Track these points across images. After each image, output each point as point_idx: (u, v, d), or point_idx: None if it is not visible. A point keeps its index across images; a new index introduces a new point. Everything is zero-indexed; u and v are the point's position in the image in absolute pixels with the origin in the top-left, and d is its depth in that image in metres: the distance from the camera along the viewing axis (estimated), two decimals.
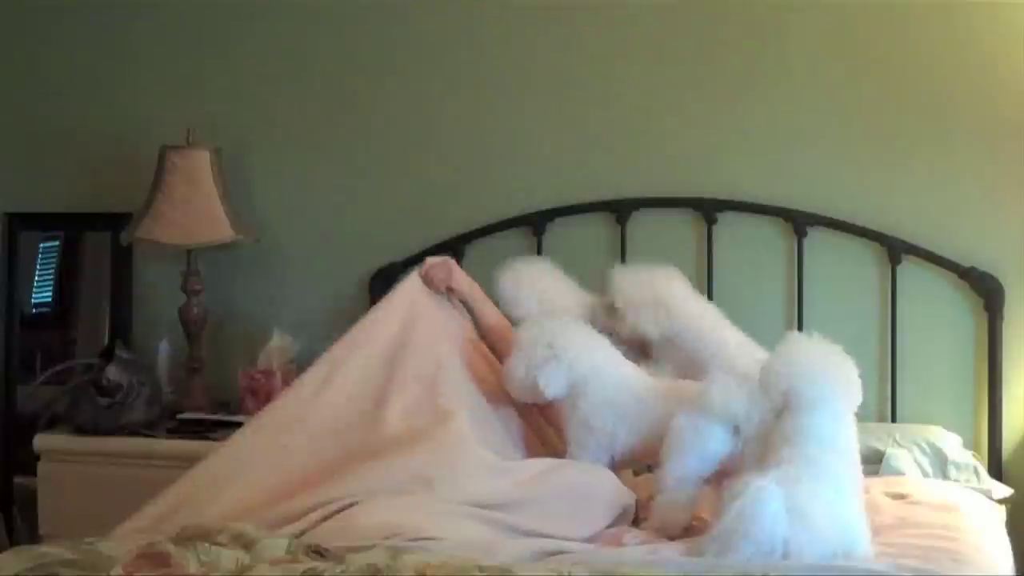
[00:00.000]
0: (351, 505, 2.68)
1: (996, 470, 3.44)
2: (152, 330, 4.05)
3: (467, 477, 2.80)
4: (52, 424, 3.88)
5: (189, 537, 2.35)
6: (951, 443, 3.37)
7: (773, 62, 3.64)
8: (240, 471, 2.92)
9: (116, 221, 4.03)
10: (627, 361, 3.13)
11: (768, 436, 2.71)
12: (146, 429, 3.66)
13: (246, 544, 2.35)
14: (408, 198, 3.91)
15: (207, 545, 2.28)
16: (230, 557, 2.26)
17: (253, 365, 3.79)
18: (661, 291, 3.20)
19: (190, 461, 3.51)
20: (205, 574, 2.21)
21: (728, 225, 3.66)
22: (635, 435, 3.00)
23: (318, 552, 2.37)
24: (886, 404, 3.55)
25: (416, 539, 2.52)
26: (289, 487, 2.82)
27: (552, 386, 3.00)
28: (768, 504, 2.47)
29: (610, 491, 2.89)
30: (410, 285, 3.28)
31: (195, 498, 2.84)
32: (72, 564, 2.29)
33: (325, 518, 2.65)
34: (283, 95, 4.00)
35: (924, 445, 3.33)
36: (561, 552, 2.58)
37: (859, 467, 2.77)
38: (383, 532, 2.53)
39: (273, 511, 2.71)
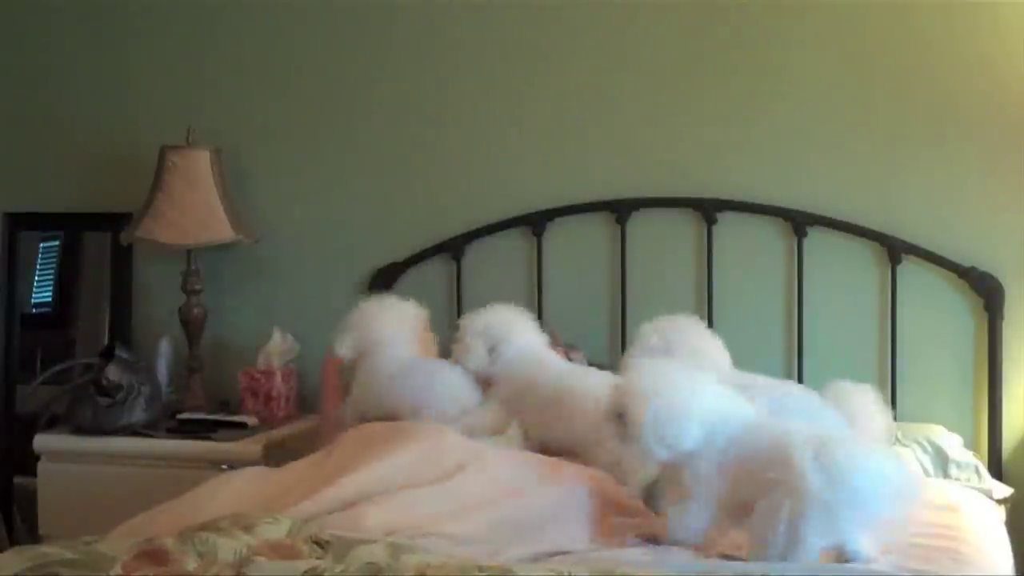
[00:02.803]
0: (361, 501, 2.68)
1: (996, 470, 3.44)
2: (152, 330, 4.05)
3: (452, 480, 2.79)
4: (52, 424, 3.88)
5: (189, 532, 2.35)
6: (952, 442, 3.37)
7: (773, 63, 3.64)
8: (235, 481, 2.94)
9: (116, 221, 4.03)
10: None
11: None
12: (146, 429, 3.65)
13: (246, 526, 2.34)
14: (408, 198, 3.91)
15: (205, 535, 2.28)
16: (229, 547, 2.26)
17: (253, 365, 3.80)
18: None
19: (190, 461, 3.54)
20: (204, 570, 2.20)
21: (728, 225, 3.66)
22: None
23: (318, 543, 2.37)
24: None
25: (417, 537, 2.52)
26: (287, 489, 2.82)
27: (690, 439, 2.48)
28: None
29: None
30: None
31: (190, 501, 2.84)
32: (72, 564, 2.28)
33: (333, 511, 2.65)
34: (283, 95, 4.00)
35: (926, 444, 3.32)
36: (561, 552, 2.58)
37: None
38: (388, 530, 2.54)
39: (276, 505, 2.71)
